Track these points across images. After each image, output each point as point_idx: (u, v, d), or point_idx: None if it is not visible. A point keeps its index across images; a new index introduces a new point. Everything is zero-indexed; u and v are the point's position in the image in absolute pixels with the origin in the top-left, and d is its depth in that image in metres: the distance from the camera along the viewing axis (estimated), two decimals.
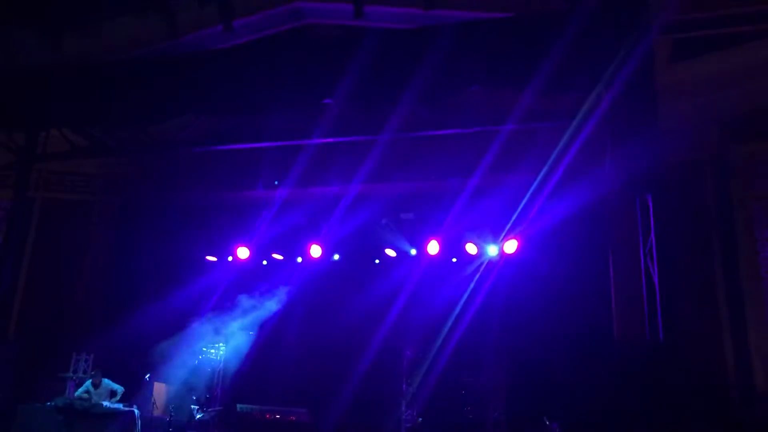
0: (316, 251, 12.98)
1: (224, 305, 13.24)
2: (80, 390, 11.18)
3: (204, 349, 13.18)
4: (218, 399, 12.67)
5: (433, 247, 12.45)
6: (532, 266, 11.71)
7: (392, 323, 12.63)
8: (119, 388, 11.27)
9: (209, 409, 12.33)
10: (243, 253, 13.29)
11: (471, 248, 12.24)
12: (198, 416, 12.07)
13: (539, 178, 11.28)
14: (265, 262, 13.70)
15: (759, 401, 9.60)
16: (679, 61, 10.27)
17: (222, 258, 13.71)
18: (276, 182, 12.65)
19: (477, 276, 12.45)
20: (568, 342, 10.91)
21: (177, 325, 12.85)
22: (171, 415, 11.67)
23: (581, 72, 7.98)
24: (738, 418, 9.48)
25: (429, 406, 11.84)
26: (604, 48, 8.00)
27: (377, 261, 13.36)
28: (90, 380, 11.22)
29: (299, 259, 13.52)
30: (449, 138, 10.88)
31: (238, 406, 12.11)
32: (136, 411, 10.95)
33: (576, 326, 11.02)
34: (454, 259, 12.76)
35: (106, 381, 11.27)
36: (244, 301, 13.08)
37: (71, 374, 11.82)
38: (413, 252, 12.95)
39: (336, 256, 13.44)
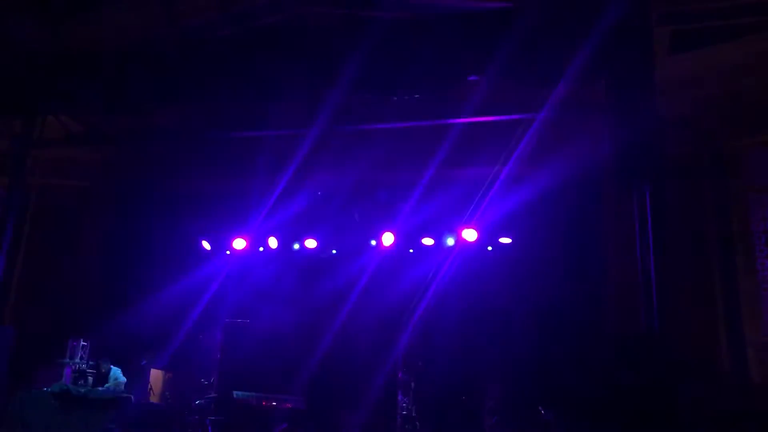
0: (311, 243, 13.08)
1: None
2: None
3: (200, 336, 13.21)
4: (215, 386, 12.70)
5: (428, 240, 12.52)
6: (529, 257, 11.73)
7: (388, 312, 12.65)
8: (123, 380, 11.35)
9: (206, 396, 12.38)
10: (239, 243, 13.32)
11: (469, 235, 12.25)
12: (194, 403, 12.12)
13: (538, 169, 11.30)
14: (261, 249, 13.72)
15: (753, 394, 9.66)
16: (678, 52, 10.25)
17: (219, 246, 13.69)
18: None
19: (474, 265, 12.47)
20: (564, 333, 10.95)
21: (174, 312, 12.88)
22: (168, 402, 11.71)
23: (581, 63, 7.96)
24: (732, 411, 9.53)
25: (424, 395, 11.88)
26: (603, 38, 7.98)
27: (373, 242, 13.33)
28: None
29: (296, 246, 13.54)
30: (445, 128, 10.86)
31: (235, 393, 12.15)
32: (132, 398, 10.99)
33: (572, 317, 11.06)
34: (451, 242, 12.76)
35: (115, 370, 11.37)
36: None
37: (68, 360, 11.84)
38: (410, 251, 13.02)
39: (333, 251, 13.49)
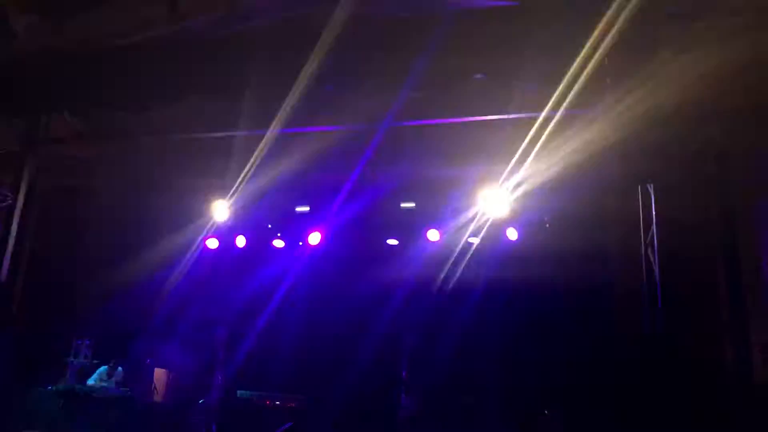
0: (315, 238, 13.03)
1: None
2: (94, 377, 11.28)
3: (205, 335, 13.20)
4: (219, 385, 12.70)
5: (433, 235, 12.46)
6: (532, 257, 11.69)
7: (392, 312, 12.64)
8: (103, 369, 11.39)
9: (210, 396, 12.39)
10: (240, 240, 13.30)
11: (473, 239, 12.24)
12: (199, 402, 12.14)
13: (540, 167, 11.26)
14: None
15: (757, 395, 9.61)
16: (684, 52, 10.18)
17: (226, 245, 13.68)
18: None
19: (478, 265, 12.44)
20: (568, 333, 10.91)
21: (178, 311, 12.90)
22: (172, 401, 11.72)
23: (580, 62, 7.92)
24: (736, 412, 9.50)
25: (428, 394, 11.86)
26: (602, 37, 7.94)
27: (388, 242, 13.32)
28: (105, 367, 11.35)
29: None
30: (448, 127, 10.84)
31: (239, 392, 12.16)
32: (134, 396, 11.02)
33: (576, 317, 11.03)
34: (455, 245, 12.72)
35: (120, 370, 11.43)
36: None
37: (72, 359, 11.87)
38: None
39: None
